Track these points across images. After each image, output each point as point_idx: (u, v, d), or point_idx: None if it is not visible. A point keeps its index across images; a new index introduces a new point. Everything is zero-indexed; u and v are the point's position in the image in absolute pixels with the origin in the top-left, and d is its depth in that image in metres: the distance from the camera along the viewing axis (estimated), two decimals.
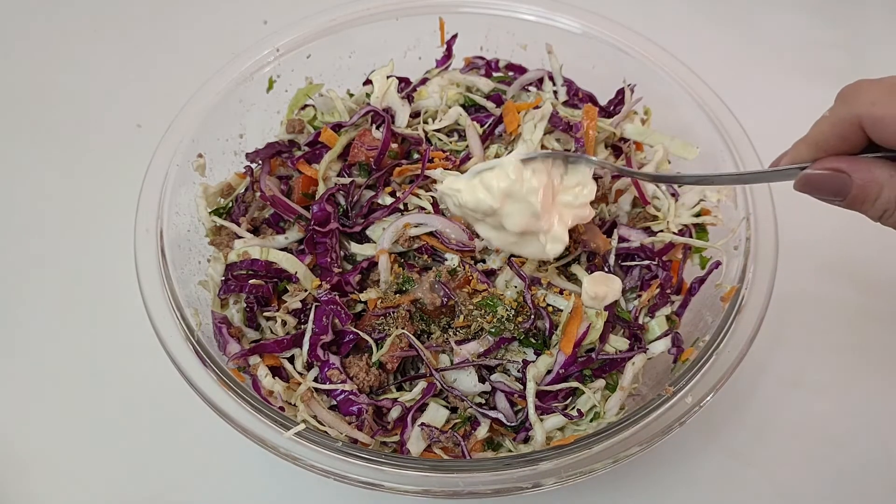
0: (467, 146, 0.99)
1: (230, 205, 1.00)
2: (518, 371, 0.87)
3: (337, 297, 0.88)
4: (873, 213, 0.64)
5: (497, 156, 1.00)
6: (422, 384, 0.87)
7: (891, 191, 0.61)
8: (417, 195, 0.94)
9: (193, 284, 0.93)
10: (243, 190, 1.00)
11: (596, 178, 1.00)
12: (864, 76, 0.70)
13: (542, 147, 0.99)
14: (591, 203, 0.89)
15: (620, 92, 1.07)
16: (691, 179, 0.81)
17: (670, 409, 0.80)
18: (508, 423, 0.85)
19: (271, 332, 0.92)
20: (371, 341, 0.87)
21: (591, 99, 1.09)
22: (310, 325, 0.87)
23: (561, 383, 0.86)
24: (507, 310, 0.86)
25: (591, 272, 0.92)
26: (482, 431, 0.85)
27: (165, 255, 0.90)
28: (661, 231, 0.96)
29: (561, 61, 1.09)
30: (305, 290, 0.90)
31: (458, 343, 0.87)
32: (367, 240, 0.95)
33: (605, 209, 0.99)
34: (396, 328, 0.86)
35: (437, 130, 1.01)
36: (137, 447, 0.99)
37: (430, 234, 0.92)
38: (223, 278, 0.93)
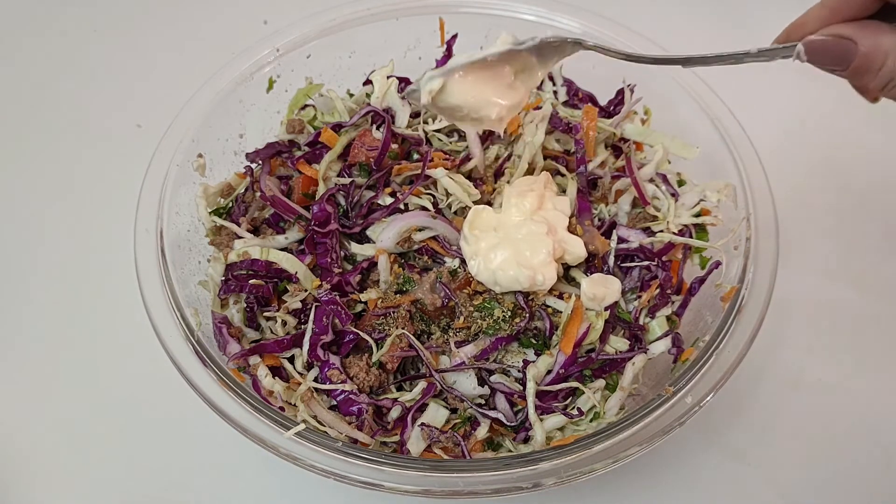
0: (467, 146, 0.99)
1: (230, 205, 1.00)
2: (518, 372, 0.87)
3: (337, 298, 0.88)
4: (877, 84, 0.60)
5: (497, 158, 1.00)
6: (422, 384, 0.87)
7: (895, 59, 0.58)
8: (419, 193, 0.94)
9: (193, 284, 0.93)
10: (243, 190, 1.00)
11: (595, 178, 1.00)
12: None
13: (544, 148, 0.99)
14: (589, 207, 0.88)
15: (620, 92, 1.07)
16: (684, 60, 0.74)
17: (670, 409, 0.80)
18: (508, 423, 0.85)
19: (271, 332, 0.92)
20: (371, 341, 0.87)
21: (591, 99, 1.09)
22: (310, 325, 0.87)
23: (561, 383, 0.86)
24: (503, 311, 0.86)
25: (591, 273, 0.92)
26: (482, 431, 0.85)
27: (165, 255, 0.90)
28: (661, 231, 0.95)
29: (561, 61, 1.09)
30: (305, 290, 0.90)
31: (458, 345, 0.87)
32: (368, 240, 0.95)
33: (604, 209, 0.99)
34: (396, 328, 0.86)
35: (437, 131, 1.01)
36: (137, 447, 0.99)
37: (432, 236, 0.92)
38: (223, 278, 0.93)
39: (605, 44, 0.79)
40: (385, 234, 0.90)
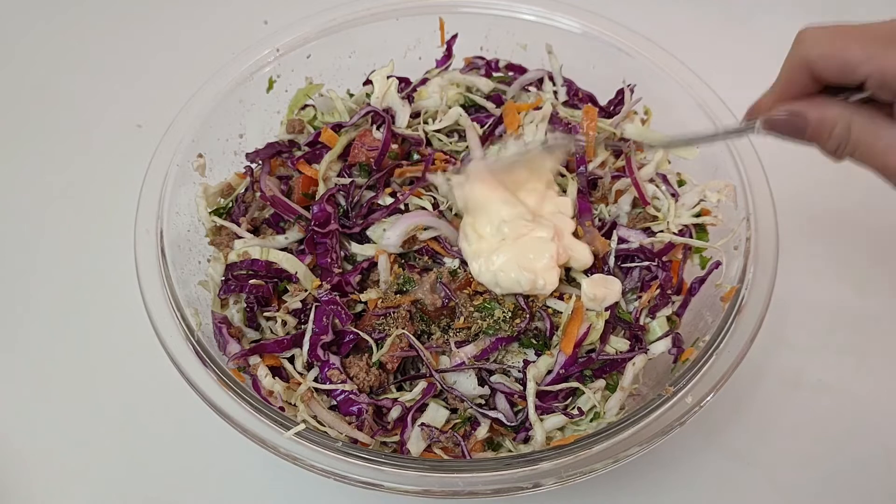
0: (467, 147, 0.99)
1: (230, 205, 1.00)
2: (518, 372, 0.87)
3: (337, 298, 0.88)
4: (829, 147, 0.68)
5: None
6: (422, 384, 0.87)
7: (843, 126, 0.66)
8: (419, 194, 0.94)
9: (193, 284, 0.93)
10: (243, 190, 1.00)
11: (595, 178, 1.00)
12: None
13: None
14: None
15: (620, 92, 1.07)
16: (661, 143, 0.85)
17: (670, 409, 0.80)
18: (508, 423, 0.85)
19: (271, 332, 0.92)
20: (371, 341, 0.87)
21: (591, 99, 1.09)
22: (310, 325, 0.87)
23: (561, 383, 0.86)
24: (504, 312, 0.86)
25: (591, 274, 0.92)
26: (482, 431, 0.85)
27: (165, 255, 0.90)
28: (661, 231, 0.95)
29: (561, 61, 1.09)
30: (305, 291, 0.90)
31: (458, 345, 0.87)
32: (368, 240, 0.95)
33: (604, 210, 0.99)
34: (397, 328, 0.86)
35: (437, 131, 1.01)
36: (137, 447, 0.99)
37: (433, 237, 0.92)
38: (223, 278, 0.93)
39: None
40: (390, 234, 0.89)
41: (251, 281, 0.91)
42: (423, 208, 0.93)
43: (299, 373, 0.87)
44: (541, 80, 1.10)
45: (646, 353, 0.89)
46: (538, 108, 1.01)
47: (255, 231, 0.98)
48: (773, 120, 0.70)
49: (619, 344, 0.90)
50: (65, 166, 1.27)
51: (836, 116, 0.66)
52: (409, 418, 0.84)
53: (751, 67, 1.39)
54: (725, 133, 0.78)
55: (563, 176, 0.99)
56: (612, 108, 1.07)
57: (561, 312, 0.88)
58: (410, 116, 1.01)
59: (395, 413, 0.85)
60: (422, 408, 0.85)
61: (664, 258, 0.95)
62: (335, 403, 0.85)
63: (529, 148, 0.88)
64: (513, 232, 0.87)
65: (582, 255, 0.89)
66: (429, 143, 1.00)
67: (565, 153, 0.93)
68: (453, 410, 0.87)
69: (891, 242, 1.19)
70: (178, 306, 0.86)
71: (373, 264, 0.92)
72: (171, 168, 0.95)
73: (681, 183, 1.04)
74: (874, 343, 1.09)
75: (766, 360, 1.06)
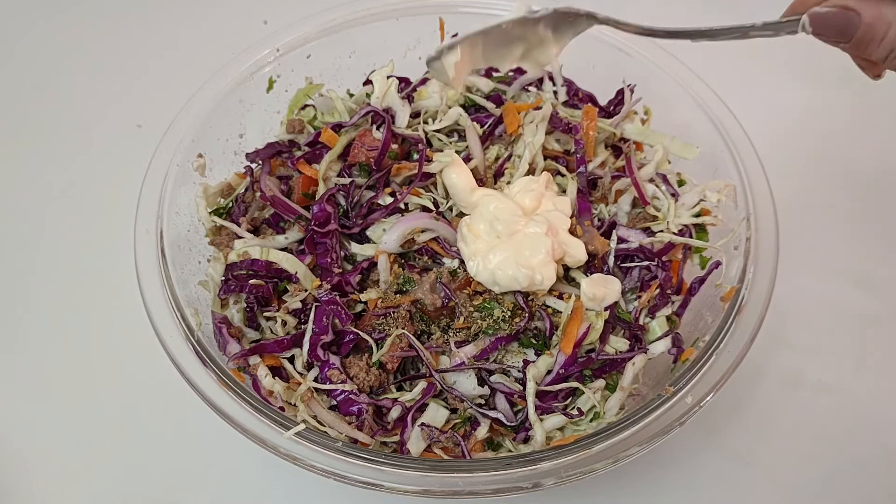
0: (467, 147, 0.99)
1: (230, 205, 1.00)
2: (518, 372, 0.87)
3: (337, 298, 0.88)
4: (879, 54, 0.61)
5: (497, 158, 1.00)
6: (422, 384, 0.87)
7: None
8: (419, 194, 0.94)
9: (193, 284, 0.93)
10: (243, 190, 1.00)
11: (595, 178, 1.00)
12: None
13: (544, 148, 0.99)
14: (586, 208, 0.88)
15: (620, 92, 1.07)
16: (692, 32, 0.77)
17: (670, 409, 0.80)
18: (508, 423, 0.85)
19: (271, 332, 0.92)
20: (371, 341, 0.87)
21: (591, 99, 1.09)
22: (310, 325, 0.87)
23: (561, 383, 0.86)
24: (503, 311, 0.86)
25: (591, 274, 0.92)
26: (482, 431, 0.85)
27: (165, 255, 0.90)
28: (661, 231, 0.95)
29: (561, 61, 1.09)
30: (305, 291, 0.90)
31: (458, 345, 0.87)
32: (368, 240, 0.95)
33: (604, 209, 0.99)
34: (396, 328, 0.86)
35: (437, 131, 1.01)
36: (137, 447, 0.99)
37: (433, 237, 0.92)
38: (223, 278, 0.93)
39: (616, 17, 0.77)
40: (388, 237, 0.90)
41: (251, 281, 0.91)
42: (424, 207, 0.93)
43: (299, 373, 0.87)
44: (541, 80, 1.10)
45: (645, 352, 0.89)
46: (538, 108, 1.01)
47: (255, 231, 0.98)
48: (821, 15, 0.62)
49: (618, 344, 0.90)
50: (65, 166, 1.27)
51: (891, 18, 0.59)
52: (409, 418, 0.84)
53: (751, 68, 1.40)
54: (764, 27, 0.68)
55: (562, 176, 0.99)
56: (612, 108, 1.07)
57: (560, 312, 0.88)
58: (410, 116, 1.01)
59: (395, 413, 0.85)
60: (422, 408, 0.85)
61: (664, 258, 0.95)
62: (335, 403, 0.85)
63: (534, 14, 0.76)
64: (506, 229, 0.87)
65: (577, 251, 0.89)
66: (429, 144, 1.00)
67: (574, 33, 0.79)
68: (453, 410, 0.87)
69: (891, 242, 1.19)
70: (178, 306, 0.86)
71: (373, 264, 0.92)
72: (171, 168, 0.96)
73: (681, 183, 1.04)
74: (874, 343, 1.09)
75: (766, 360, 1.06)
